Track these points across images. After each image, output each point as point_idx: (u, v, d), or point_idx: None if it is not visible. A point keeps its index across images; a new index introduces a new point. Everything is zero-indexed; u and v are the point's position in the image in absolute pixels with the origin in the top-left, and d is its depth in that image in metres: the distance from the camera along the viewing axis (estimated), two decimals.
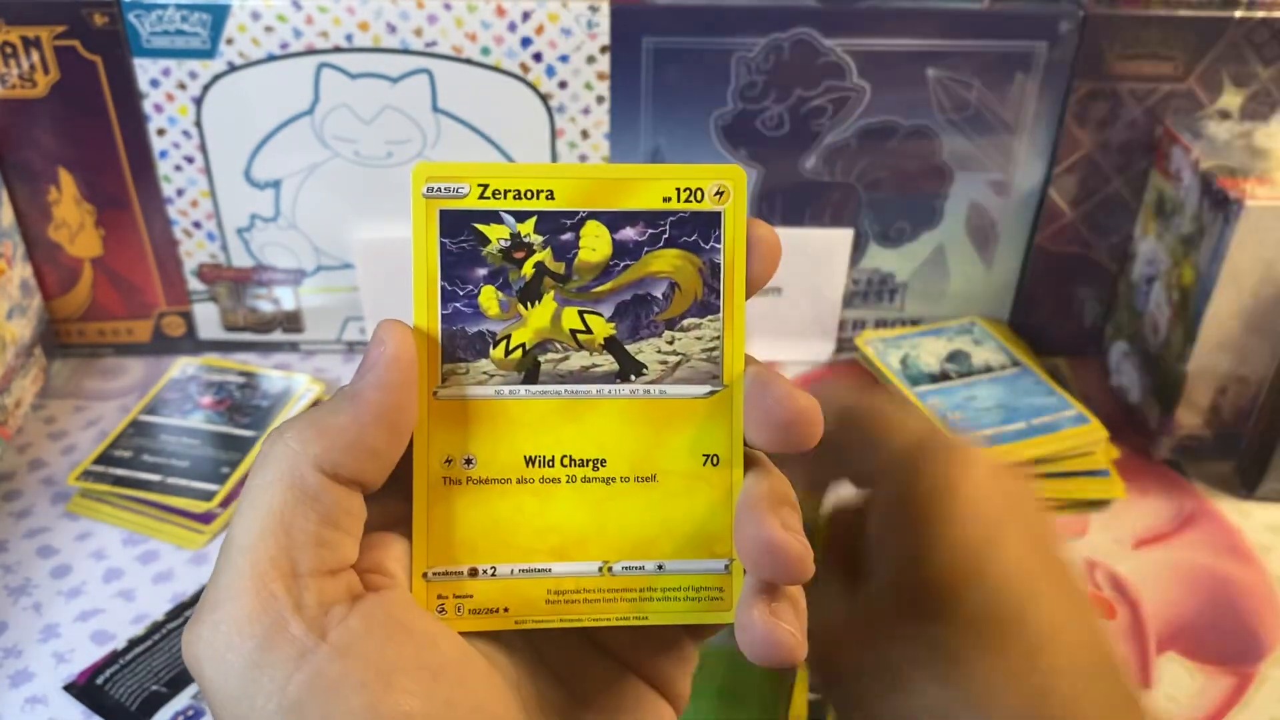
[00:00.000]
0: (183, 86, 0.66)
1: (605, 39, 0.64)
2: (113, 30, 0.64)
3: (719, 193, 0.28)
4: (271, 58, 0.65)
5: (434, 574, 0.28)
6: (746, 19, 0.64)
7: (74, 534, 0.61)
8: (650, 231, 0.27)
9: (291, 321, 0.75)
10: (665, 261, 0.28)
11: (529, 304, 0.28)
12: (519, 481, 0.29)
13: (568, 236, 0.27)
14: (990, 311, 0.75)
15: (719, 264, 0.28)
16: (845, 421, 0.34)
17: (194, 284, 0.73)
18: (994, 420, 0.64)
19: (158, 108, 0.66)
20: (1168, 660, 0.55)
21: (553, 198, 0.27)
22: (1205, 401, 0.64)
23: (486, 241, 0.27)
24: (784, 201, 0.70)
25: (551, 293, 0.27)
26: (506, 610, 0.29)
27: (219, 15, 0.63)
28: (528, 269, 0.27)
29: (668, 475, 0.28)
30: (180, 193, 0.69)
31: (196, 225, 0.71)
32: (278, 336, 0.75)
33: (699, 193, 0.28)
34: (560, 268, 0.27)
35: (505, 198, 0.27)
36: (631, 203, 0.27)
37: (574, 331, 0.28)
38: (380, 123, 0.67)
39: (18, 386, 0.68)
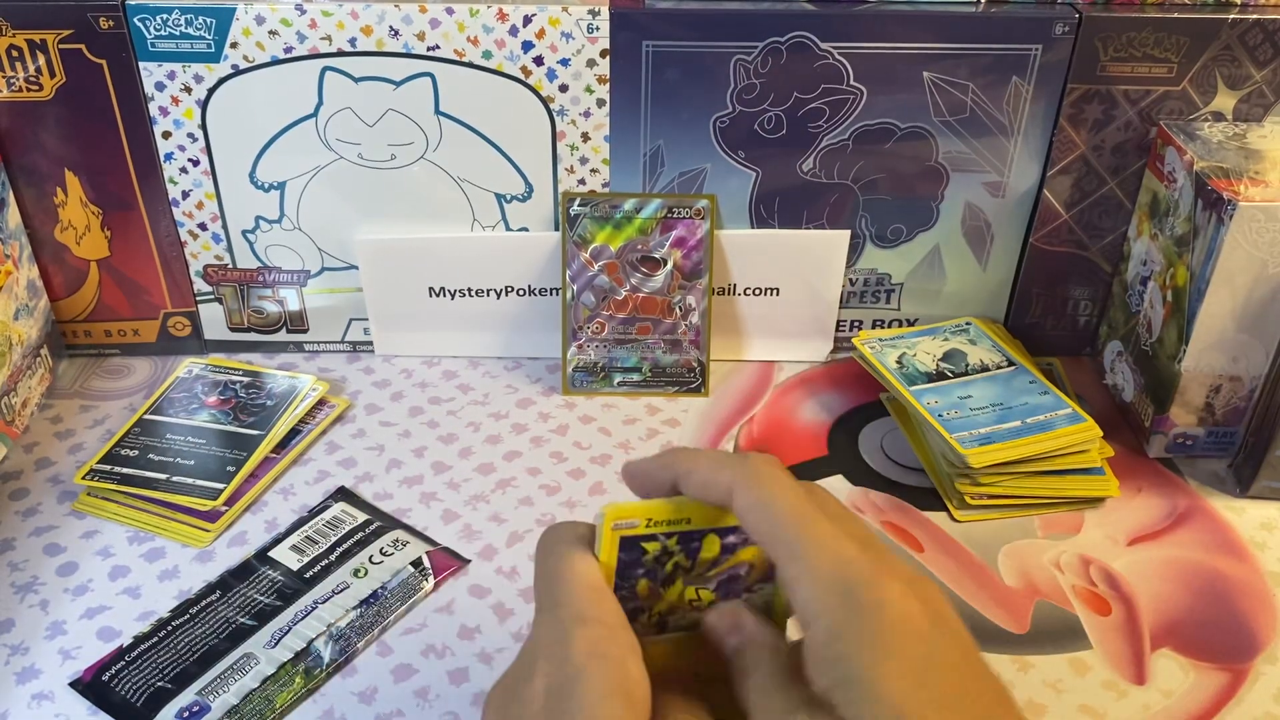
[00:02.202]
0: (188, 90, 0.66)
1: (605, 43, 0.65)
2: (118, 34, 0.64)
3: None
4: (276, 61, 0.65)
5: None
6: (745, 23, 0.64)
7: (80, 532, 0.61)
8: (742, 538, 0.40)
9: (296, 322, 0.75)
10: (748, 553, 0.40)
11: (666, 588, 0.40)
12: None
13: (695, 544, 0.40)
14: (986, 311, 0.76)
15: None
16: (772, 536, 0.38)
17: (199, 285, 0.74)
18: (989, 419, 0.64)
19: (163, 111, 0.67)
20: (1162, 656, 0.55)
21: (689, 522, 0.39)
22: (1198, 400, 0.65)
23: (645, 553, 0.39)
24: (782, 203, 0.71)
25: (680, 579, 0.40)
26: None
27: (224, 19, 0.64)
28: (669, 567, 0.40)
29: None
30: (186, 195, 0.70)
31: (202, 227, 0.71)
32: (282, 337, 0.76)
33: None
34: (688, 564, 0.40)
35: (661, 525, 0.39)
36: (732, 522, 0.39)
37: (691, 601, 0.41)
38: (383, 125, 0.68)
39: (25, 386, 0.68)
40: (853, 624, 0.35)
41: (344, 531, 0.60)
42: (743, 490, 0.38)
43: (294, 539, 0.60)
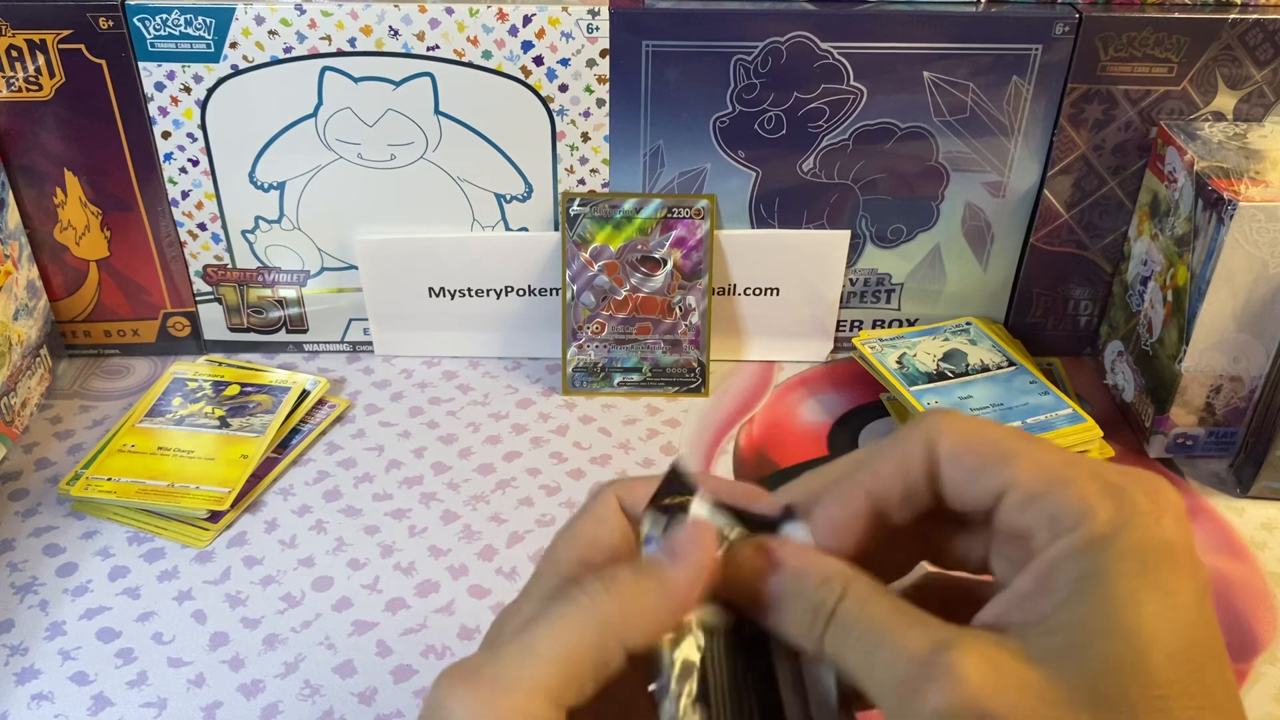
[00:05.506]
0: (187, 90, 0.66)
1: (605, 43, 0.65)
2: (118, 34, 0.64)
3: None
4: (275, 61, 0.65)
5: None
6: (744, 22, 0.64)
7: (80, 532, 0.61)
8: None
9: (295, 322, 0.75)
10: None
11: None
12: None
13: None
14: (986, 311, 0.76)
15: None
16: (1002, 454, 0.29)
17: (199, 285, 0.74)
18: (989, 419, 0.64)
19: (163, 111, 0.67)
20: None
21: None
22: (1199, 400, 0.65)
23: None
24: (782, 203, 0.71)
25: None
26: None
27: (223, 19, 0.64)
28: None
29: None
30: (185, 195, 0.70)
31: (201, 227, 0.71)
32: (282, 337, 0.76)
33: None
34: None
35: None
36: None
37: None
38: (383, 125, 0.67)
39: (24, 387, 0.68)
40: (1123, 538, 0.26)
41: None
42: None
43: None
